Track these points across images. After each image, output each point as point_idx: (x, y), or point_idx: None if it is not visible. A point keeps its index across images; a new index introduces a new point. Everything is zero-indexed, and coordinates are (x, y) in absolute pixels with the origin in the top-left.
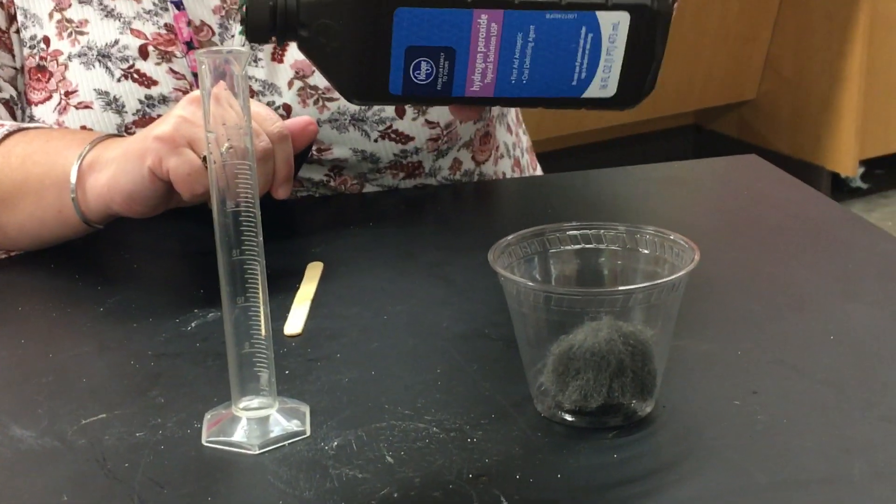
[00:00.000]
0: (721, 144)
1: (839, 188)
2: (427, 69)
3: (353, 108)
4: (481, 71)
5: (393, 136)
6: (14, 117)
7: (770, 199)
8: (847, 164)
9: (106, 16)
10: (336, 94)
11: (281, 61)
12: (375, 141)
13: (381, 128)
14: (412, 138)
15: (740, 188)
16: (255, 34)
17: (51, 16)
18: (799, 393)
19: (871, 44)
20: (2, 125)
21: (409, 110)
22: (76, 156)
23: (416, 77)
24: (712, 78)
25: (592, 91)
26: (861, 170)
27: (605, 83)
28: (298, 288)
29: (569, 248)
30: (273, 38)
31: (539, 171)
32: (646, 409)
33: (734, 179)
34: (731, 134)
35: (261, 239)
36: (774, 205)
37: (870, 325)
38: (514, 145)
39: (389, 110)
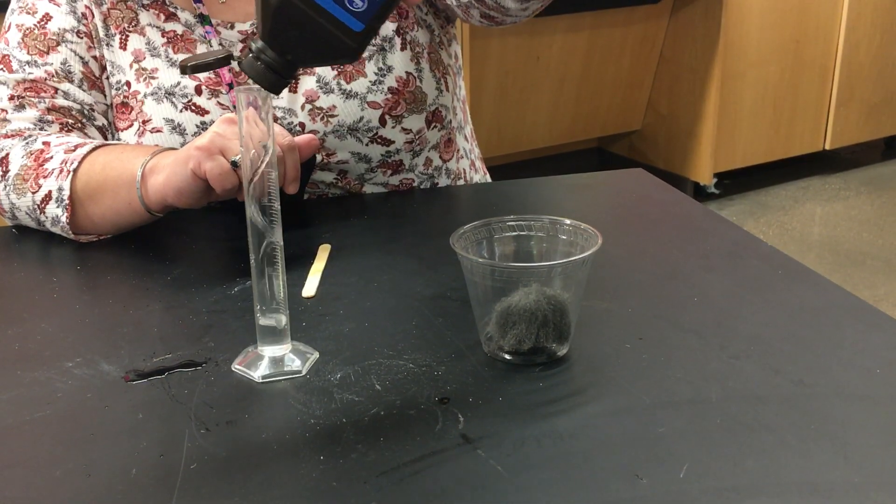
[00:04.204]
0: (617, 161)
1: (699, 193)
2: None
3: (350, 120)
4: None
5: (379, 140)
6: (105, 139)
7: (651, 200)
8: (705, 175)
9: (170, 65)
10: (336, 111)
11: (296, 92)
12: (367, 145)
13: (370, 135)
14: (393, 141)
15: (630, 192)
16: (272, 89)
17: (131, 66)
18: (672, 339)
19: (722, 91)
20: (91, 142)
21: (389, 121)
22: (141, 163)
23: (356, 7)
24: (610, 114)
25: None
26: (714, 180)
27: None
28: (313, 263)
29: (508, 234)
30: (288, 85)
31: (489, 179)
32: (563, 350)
33: (626, 186)
34: (624, 154)
35: (279, 226)
36: (654, 204)
37: (721, 289)
38: (470, 151)
39: (375, 121)
